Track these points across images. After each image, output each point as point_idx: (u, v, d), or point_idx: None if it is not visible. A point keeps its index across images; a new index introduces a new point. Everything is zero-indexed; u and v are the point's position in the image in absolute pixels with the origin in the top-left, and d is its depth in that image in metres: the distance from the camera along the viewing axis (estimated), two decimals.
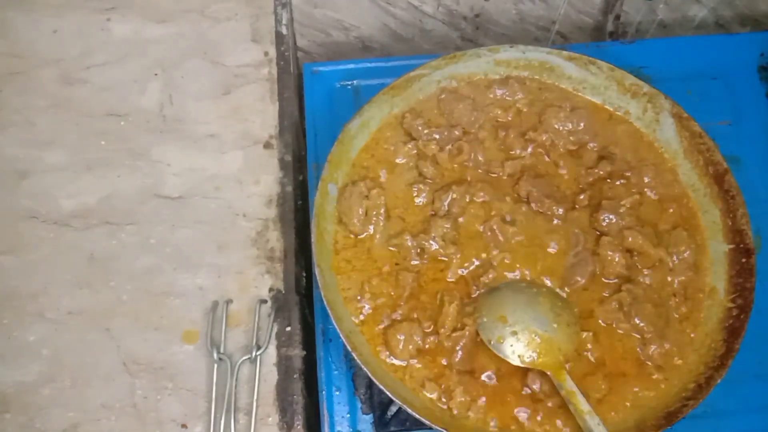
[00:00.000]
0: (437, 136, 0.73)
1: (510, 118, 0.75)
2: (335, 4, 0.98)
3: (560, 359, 0.62)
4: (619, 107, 0.76)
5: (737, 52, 0.88)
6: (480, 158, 0.73)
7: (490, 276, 0.67)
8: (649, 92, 0.74)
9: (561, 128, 0.74)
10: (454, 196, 0.70)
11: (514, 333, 0.63)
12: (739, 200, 0.68)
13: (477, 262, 0.68)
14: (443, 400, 0.63)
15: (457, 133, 0.74)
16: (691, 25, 1.04)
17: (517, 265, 0.68)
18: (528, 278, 0.68)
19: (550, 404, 0.63)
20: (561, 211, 0.70)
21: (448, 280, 0.68)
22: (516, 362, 0.63)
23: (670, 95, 0.73)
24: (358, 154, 0.73)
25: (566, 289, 0.67)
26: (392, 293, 0.67)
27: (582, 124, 0.74)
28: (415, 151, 0.73)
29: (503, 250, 0.69)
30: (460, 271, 0.68)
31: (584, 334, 0.65)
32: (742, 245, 0.67)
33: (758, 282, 0.65)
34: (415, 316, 0.66)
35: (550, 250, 0.69)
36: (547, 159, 0.74)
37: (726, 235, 0.68)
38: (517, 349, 0.63)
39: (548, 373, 0.62)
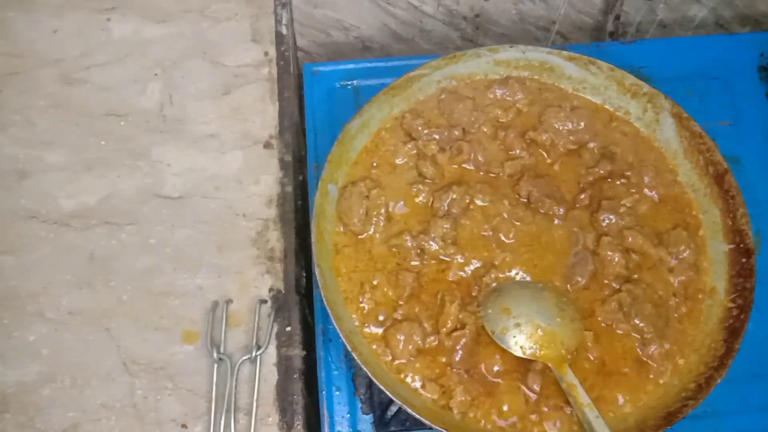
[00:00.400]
0: (437, 137, 0.73)
1: (510, 118, 0.75)
2: (335, 4, 0.98)
3: (562, 353, 0.63)
4: (619, 107, 0.76)
5: (737, 52, 0.88)
6: (480, 158, 0.73)
7: (492, 276, 0.67)
8: (649, 92, 0.74)
9: (561, 128, 0.74)
10: (454, 196, 0.70)
11: (518, 325, 0.63)
12: (739, 200, 0.68)
13: (478, 263, 0.68)
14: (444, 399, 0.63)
15: (457, 133, 0.74)
16: (691, 25, 1.04)
17: (518, 265, 0.68)
18: (529, 278, 0.68)
19: (550, 405, 0.63)
20: (561, 211, 0.70)
21: (449, 279, 0.68)
22: (518, 353, 0.63)
23: (670, 95, 0.73)
24: (358, 154, 0.73)
25: (567, 288, 0.68)
26: (392, 293, 0.67)
27: (582, 124, 0.74)
28: (415, 151, 0.73)
29: (504, 250, 0.69)
30: (460, 272, 0.68)
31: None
32: (742, 245, 0.67)
33: (758, 282, 0.65)
34: (416, 315, 0.66)
35: (550, 250, 0.69)
36: (547, 159, 0.74)
37: (726, 235, 0.68)
38: (519, 341, 0.63)
39: (549, 365, 0.62)
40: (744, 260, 0.66)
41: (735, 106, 0.85)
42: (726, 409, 0.70)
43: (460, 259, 0.68)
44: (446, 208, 0.70)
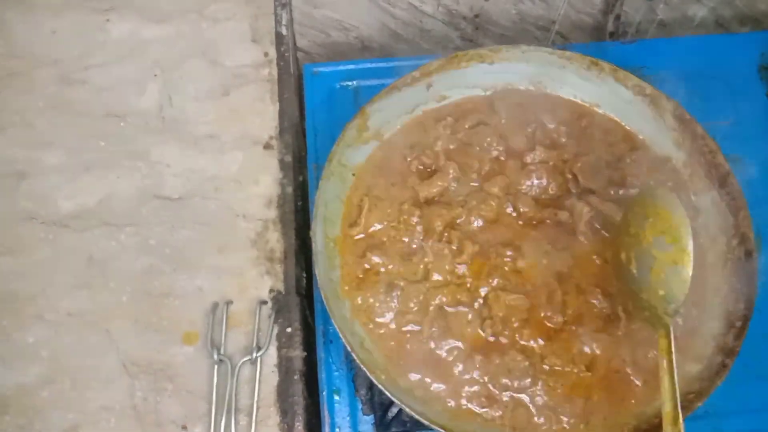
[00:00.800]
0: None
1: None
2: (335, 5, 0.98)
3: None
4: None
5: (737, 52, 0.88)
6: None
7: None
8: (652, 93, 0.73)
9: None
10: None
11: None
12: (741, 202, 0.68)
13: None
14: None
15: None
16: (691, 25, 1.04)
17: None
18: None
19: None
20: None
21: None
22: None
23: (671, 95, 0.73)
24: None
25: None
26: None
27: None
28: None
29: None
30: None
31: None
32: (743, 246, 0.67)
33: (759, 283, 0.65)
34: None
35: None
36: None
37: (727, 236, 0.68)
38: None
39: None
40: (744, 261, 0.66)
41: (735, 105, 0.85)
42: (726, 409, 0.70)
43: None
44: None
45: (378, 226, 0.70)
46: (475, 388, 0.63)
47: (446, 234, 0.68)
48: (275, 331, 0.72)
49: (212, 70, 0.84)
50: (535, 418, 0.63)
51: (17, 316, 0.72)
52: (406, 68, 0.74)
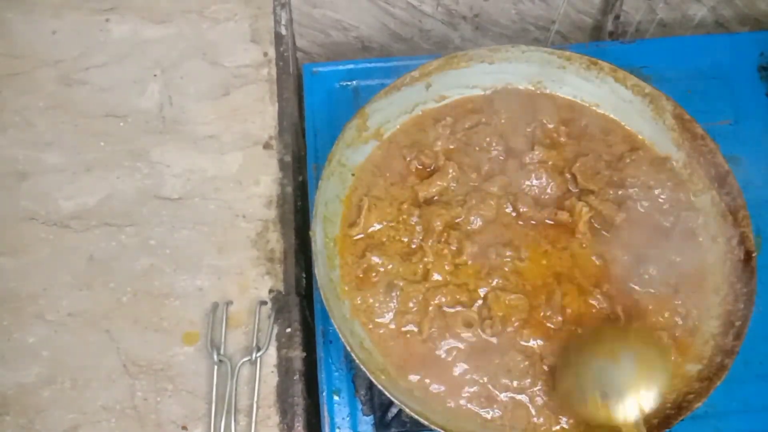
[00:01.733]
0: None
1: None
2: (334, 4, 0.98)
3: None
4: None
5: (737, 52, 0.88)
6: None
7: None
8: (651, 93, 0.73)
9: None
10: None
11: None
12: (741, 202, 0.68)
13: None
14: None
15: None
16: (691, 25, 1.04)
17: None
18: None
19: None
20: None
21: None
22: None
23: (670, 95, 0.73)
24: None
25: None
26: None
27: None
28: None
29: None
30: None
31: None
32: (743, 246, 0.67)
33: (759, 283, 0.65)
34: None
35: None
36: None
37: (727, 236, 0.68)
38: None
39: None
40: (744, 261, 0.66)
41: (735, 105, 0.85)
42: (726, 409, 0.70)
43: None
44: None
45: (377, 226, 0.70)
46: (475, 388, 0.63)
47: (446, 234, 0.68)
48: (275, 331, 0.72)
49: (212, 70, 0.84)
50: (535, 419, 0.63)
51: (18, 315, 0.72)
52: (406, 68, 0.74)
